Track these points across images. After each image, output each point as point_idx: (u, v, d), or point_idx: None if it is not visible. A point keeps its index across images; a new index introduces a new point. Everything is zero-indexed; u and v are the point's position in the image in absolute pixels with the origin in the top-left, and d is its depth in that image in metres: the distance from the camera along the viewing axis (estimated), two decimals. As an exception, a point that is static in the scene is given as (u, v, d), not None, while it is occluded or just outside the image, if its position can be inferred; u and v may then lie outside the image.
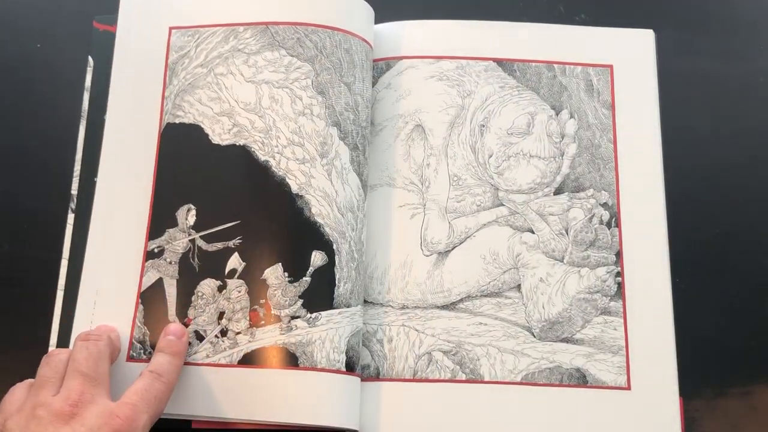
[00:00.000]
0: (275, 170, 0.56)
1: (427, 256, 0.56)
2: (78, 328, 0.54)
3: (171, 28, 0.60)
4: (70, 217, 0.57)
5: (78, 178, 0.58)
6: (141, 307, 0.54)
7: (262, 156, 0.56)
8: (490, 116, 0.59)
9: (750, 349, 0.56)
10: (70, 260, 0.56)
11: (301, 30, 0.58)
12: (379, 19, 0.60)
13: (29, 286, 0.56)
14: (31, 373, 0.53)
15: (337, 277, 0.53)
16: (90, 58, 0.60)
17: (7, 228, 0.57)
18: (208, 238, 0.55)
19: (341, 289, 0.53)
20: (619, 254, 0.56)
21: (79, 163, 0.58)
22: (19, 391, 0.48)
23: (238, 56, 0.58)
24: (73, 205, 0.57)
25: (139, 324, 0.54)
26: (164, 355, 0.51)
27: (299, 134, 0.56)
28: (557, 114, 0.59)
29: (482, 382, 0.53)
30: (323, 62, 0.57)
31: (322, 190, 0.55)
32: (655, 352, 0.54)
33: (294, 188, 0.55)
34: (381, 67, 0.60)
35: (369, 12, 0.60)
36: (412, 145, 0.59)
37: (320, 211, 0.54)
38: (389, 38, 0.61)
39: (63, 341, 0.54)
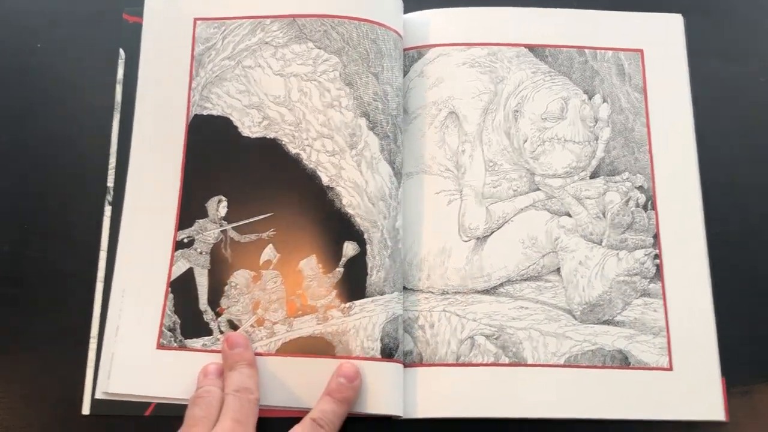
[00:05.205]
0: (306, 163, 0.56)
1: (466, 241, 0.56)
2: (111, 317, 0.54)
3: (196, 19, 0.60)
4: (107, 209, 0.57)
5: (114, 170, 0.57)
6: (171, 295, 0.54)
7: (293, 149, 0.56)
8: (524, 102, 0.59)
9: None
10: (108, 252, 0.56)
11: (327, 22, 0.58)
12: (408, 8, 0.60)
13: (71, 280, 0.55)
14: (77, 364, 0.54)
15: (369, 266, 0.54)
16: (121, 51, 0.60)
17: (44, 222, 0.57)
18: (240, 230, 0.55)
19: (374, 277, 0.54)
20: (656, 236, 0.56)
21: (114, 155, 0.58)
22: None
23: (266, 49, 0.58)
24: (109, 198, 0.57)
25: (169, 312, 0.54)
26: (330, 401, 0.49)
27: (328, 126, 0.56)
28: (590, 98, 0.59)
29: (526, 365, 0.53)
30: (350, 53, 0.57)
31: (352, 180, 0.55)
32: (695, 332, 0.54)
33: (325, 180, 0.55)
34: (412, 55, 0.60)
35: (397, 1, 0.60)
36: (446, 132, 0.59)
37: (350, 201, 0.55)
38: (419, 27, 0.61)
39: (102, 333, 0.54)
